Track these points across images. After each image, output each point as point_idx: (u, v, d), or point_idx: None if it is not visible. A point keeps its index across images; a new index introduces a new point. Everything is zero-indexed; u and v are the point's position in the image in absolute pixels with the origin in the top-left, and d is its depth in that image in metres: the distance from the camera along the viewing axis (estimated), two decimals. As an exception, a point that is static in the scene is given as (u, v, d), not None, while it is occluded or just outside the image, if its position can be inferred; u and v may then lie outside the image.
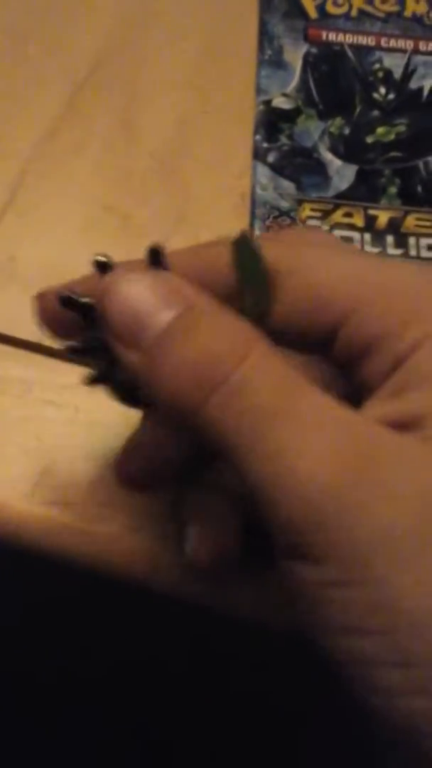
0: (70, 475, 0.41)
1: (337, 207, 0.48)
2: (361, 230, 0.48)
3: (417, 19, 0.54)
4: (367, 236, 0.48)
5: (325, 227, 0.48)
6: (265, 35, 0.53)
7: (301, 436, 0.25)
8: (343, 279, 0.29)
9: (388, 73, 0.53)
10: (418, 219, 0.48)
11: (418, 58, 0.53)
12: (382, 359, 0.28)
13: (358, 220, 0.48)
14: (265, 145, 0.50)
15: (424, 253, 0.47)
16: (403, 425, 0.26)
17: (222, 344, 0.26)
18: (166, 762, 0.69)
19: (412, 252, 0.47)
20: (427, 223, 0.48)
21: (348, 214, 0.48)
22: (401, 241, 0.48)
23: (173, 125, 0.51)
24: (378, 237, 0.48)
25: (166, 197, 0.49)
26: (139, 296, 0.28)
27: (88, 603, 0.55)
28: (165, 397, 0.27)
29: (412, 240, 0.48)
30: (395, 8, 0.55)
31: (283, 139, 0.50)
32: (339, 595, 0.24)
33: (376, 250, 0.47)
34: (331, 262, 0.29)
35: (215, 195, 0.49)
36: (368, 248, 0.47)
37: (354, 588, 0.24)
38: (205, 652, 0.65)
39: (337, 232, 0.47)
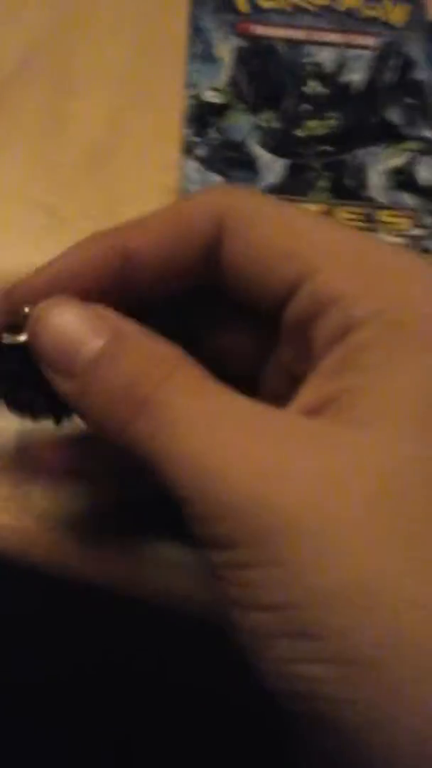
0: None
1: (266, 201, 0.48)
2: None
3: (350, 12, 0.54)
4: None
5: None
6: (195, 30, 0.53)
7: (211, 436, 0.26)
8: (306, 239, 0.29)
9: (320, 67, 0.52)
10: (348, 212, 0.48)
11: (350, 52, 0.53)
12: (329, 327, 0.28)
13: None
14: (194, 139, 0.49)
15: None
16: (324, 407, 0.27)
17: (146, 367, 0.28)
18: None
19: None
20: (357, 217, 0.48)
21: (278, 209, 0.48)
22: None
23: (103, 119, 0.50)
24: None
25: (94, 192, 0.48)
26: (70, 325, 0.29)
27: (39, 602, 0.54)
28: (95, 420, 0.28)
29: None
30: (327, 2, 0.54)
31: (213, 133, 0.50)
32: (244, 575, 0.25)
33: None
34: (289, 219, 0.30)
35: (144, 190, 0.48)
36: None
37: (258, 568, 0.25)
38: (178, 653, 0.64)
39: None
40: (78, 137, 0.50)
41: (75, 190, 0.48)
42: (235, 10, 0.54)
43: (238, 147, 0.49)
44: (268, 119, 0.50)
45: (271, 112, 0.50)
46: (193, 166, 0.48)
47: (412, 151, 0.50)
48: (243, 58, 0.52)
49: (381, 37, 0.53)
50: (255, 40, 0.53)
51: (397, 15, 0.54)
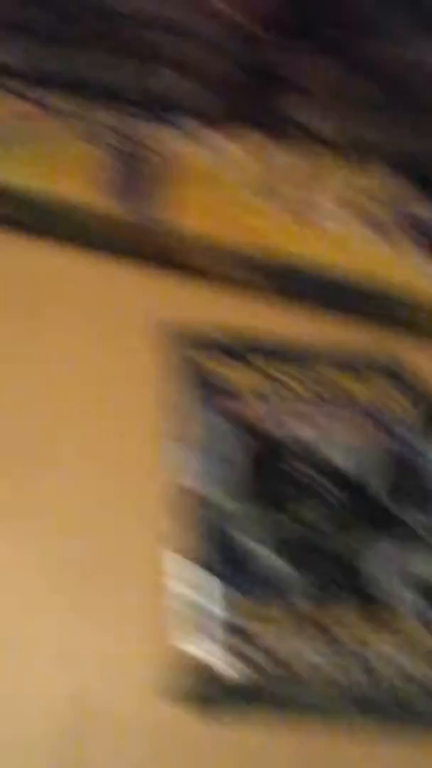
0: None
1: (282, 609, 0.46)
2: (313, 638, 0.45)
3: (338, 391, 0.55)
4: (330, 647, 0.45)
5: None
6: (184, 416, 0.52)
7: None
8: None
9: (324, 461, 0.52)
10: (371, 622, 0.46)
11: (365, 450, 0.53)
12: None
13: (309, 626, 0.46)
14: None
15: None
16: None
17: None
18: None
19: (374, 664, 0.45)
20: (379, 627, 0.46)
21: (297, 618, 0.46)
22: (359, 654, 0.45)
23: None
24: (335, 648, 0.45)
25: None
26: None
27: None
28: None
29: (372, 651, 0.45)
30: (319, 386, 0.55)
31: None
32: None
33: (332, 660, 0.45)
34: None
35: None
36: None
37: None
38: None
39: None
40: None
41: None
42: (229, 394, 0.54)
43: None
44: (277, 521, 0.49)
45: (280, 514, 0.49)
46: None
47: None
48: (251, 454, 0.51)
49: (374, 420, 0.54)
50: (264, 435, 0.52)
51: (389, 393, 0.55)
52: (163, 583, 0.46)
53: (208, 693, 0.43)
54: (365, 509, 0.50)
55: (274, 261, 0.59)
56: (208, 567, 0.47)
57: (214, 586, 0.46)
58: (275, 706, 0.44)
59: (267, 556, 0.47)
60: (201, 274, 0.59)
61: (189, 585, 0.46)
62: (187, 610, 0.45)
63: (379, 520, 0.50)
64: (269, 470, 0.51)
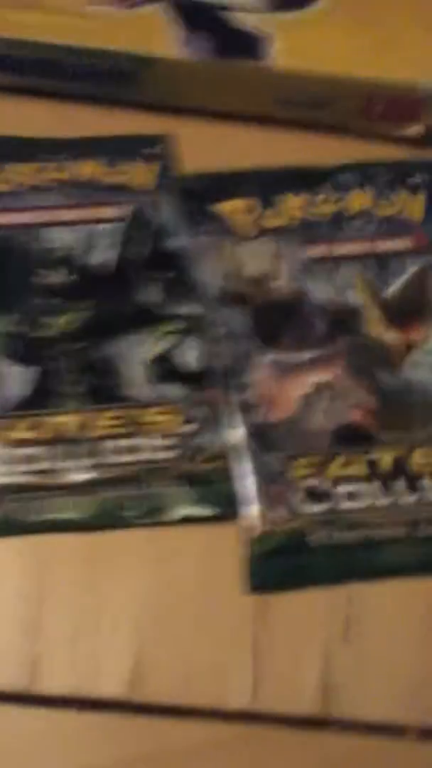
0: None
1: (18, 419, 0.42)
2: (48, 443, 0.42)
3: (91, 183, 0.50)
4: (60, 449, 0.42)
5: (6, 452, 0.42)
6: None
7: None
8: None
9: (64, 251, 0.47)
10: (110, 418, 0.43)
11: (98, 228, 0.48)
12: None
13: (46, 432, 0.42)
14: None
15: (125, 458, 0.42)
16: None
17: None
18: None
19: (110, 459, 0.42)
20: (121, 422, 0.43)
21: (32, 427, 0.42)
22: (93, 449, 0.42)
23: None
24: (68, 449, 0.42)
25: None
26: None
27: None
28: None
29: (109, 444, 0.42)
30: (64, 175, 0.50)
31: None
32: None
33: (67, 464, 0.42)
34: None
35: None
36: (59, 464, 0.42)
37: None
38: None
39: (19, 452, 0.42)
40: None
41: None
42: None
43: (-22, 363, 0.44)
44: (11, 323, 0.45)
45: (14, 314, 0.45)
46: None
47: (173, 333, 0.45)
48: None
49: (128, 206, 0.49)
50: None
51: (146, 177, 0.50)
52: None
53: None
54: (107, 296, 0.46)
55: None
56: None
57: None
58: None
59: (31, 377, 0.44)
60: None
61: None
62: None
63: (124, 312, 0.46)
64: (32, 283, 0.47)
